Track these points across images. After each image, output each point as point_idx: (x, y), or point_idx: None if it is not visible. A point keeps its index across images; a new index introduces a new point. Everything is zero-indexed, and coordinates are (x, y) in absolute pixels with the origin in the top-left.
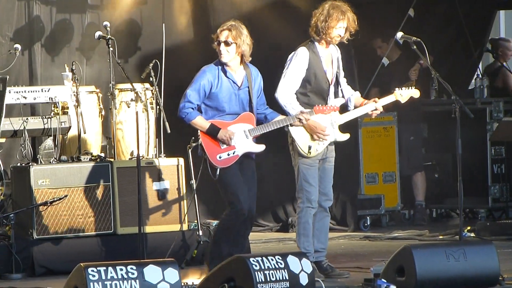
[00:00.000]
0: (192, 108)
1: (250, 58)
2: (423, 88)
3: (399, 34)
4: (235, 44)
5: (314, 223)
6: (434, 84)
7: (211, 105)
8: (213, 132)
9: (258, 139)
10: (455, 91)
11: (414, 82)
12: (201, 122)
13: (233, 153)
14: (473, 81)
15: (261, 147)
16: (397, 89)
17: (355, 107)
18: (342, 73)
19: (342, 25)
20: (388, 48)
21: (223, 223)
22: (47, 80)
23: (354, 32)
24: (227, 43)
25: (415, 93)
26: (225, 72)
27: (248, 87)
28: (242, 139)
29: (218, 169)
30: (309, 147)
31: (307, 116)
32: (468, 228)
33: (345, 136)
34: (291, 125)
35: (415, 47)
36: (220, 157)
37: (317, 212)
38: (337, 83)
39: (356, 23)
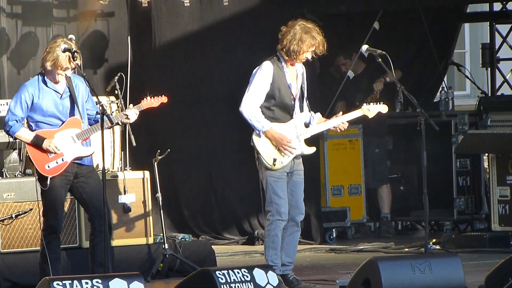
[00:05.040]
0: (17, 121)
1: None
2: (388, 101)
3: (364, 47)
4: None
5: (283, 236)
6: (399, 97)
7: (38, 117)
8: (37, 142)
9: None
10: (420, 103)
11: (378, 94)
12: (25, 134)
13: (62, 160)
14: (438, 93)
15: (89, 150)
16: (365, 104)
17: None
18: (305, 93)
19: (312, 49)
20: (352, 63)
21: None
22: (13, 93)
23: (320, 54)
24: (67, 69)
25: (383, 108)
26: (45, 82)
27: (71, 95)
28: (69, 144)
29: (49, 178)
30: (274, 160)
31: (133, 111)
32: (434, 240)
33: (312, 149)
34: (122, 122)
35: (380, 60)
36: (48, 166)
37: (288, 226)
38: (302, 98)
39: (325, 47)
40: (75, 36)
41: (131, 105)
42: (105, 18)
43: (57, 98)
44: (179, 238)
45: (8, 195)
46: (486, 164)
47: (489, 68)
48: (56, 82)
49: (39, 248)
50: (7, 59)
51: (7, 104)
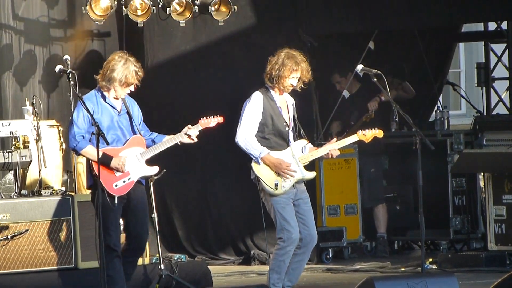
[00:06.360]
0: (83, 136)
1: None
2: (384, 121)
3: (359, 67)
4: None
5: (291, 262)
6: (394, 116)
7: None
8: (106, 161)
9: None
10: (416, 123)
11: (373, 113)
12: (92, 151)
13: (129, 179)
14: (434, 113)
15: (154, 170)
16: (360, 130)
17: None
18: (298, 123)
19: (295, 76)
20: (347, 82)
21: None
22: (17, 111)
23: (307, 82)
24: (132, 84)
25: (378, 133)
26: (104, 97)
27: (128, 113)
28: (135, 163)
29: (116, 198)
30: (276, 184)
31: (194, 131)
32: (430, 260)
33: (312, 174)
34: (181, 142)
35: (375, 79)
36: (116, 185)
37: (298, 252)
38: (295, 128)
39: (310, 73)
40: (72, 56)
41: (189, 125)
42: (101, 38)
43: (115, 114)
44: (175, 258)
45: (3, 216)
46: (482, 184)
47: (484, 88)
48: (117, 98)
49: (35, 268)
50: (12, 76)
51: (2, 125)
